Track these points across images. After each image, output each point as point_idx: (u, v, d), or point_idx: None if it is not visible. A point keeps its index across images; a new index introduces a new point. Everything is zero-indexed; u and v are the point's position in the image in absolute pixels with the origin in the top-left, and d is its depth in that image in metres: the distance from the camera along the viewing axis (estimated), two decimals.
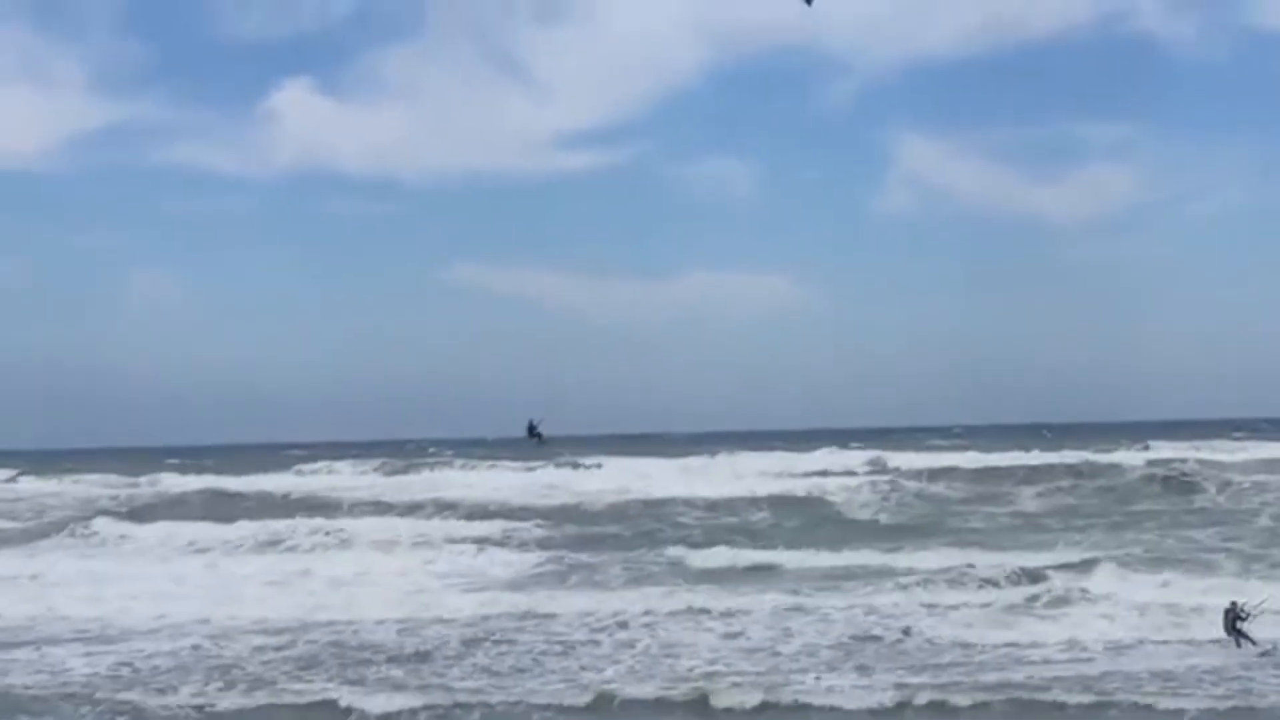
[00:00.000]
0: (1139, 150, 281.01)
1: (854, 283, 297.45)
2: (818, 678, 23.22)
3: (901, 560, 37.32)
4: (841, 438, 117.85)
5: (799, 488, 56.87)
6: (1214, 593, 29.02)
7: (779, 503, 52.81)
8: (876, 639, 27.02)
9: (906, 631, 27.40)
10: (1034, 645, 26.04)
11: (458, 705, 21.82)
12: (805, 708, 21.44)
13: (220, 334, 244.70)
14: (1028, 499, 53.44)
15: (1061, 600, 30.18)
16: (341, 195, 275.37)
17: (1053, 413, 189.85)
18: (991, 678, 22.92)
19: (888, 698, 21.53)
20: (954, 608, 29.90)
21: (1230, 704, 20.76)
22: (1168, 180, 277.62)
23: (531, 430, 32.23)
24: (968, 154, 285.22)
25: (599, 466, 69.55)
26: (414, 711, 21.70)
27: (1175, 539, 40.59)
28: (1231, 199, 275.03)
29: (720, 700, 21.78)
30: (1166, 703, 20.89)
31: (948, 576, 33.22)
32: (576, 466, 69.73)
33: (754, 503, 52.35)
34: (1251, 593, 27.19)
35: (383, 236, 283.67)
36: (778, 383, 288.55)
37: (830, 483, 58.30)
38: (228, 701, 22.78)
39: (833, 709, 21.21)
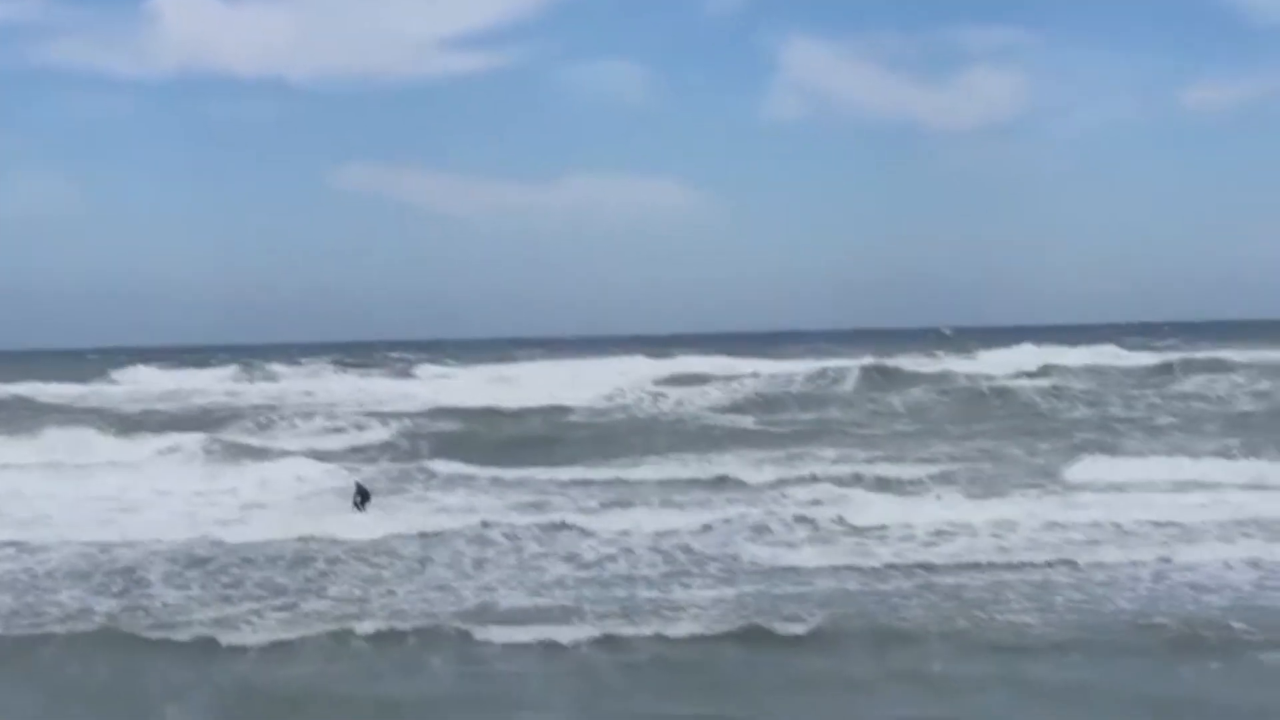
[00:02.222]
0: (1026, 56, 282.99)
1: (743, 187, 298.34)
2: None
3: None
4: (729, 342, 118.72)
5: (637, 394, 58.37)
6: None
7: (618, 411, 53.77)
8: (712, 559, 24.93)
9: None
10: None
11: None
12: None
13: (103, 238, 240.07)
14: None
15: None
16: (228, 97, 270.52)
17: (943, 317, 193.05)
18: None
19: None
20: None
21: None
22: (1055, 87, 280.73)
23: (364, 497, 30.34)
24: (856, 59, 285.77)
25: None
26: None
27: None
28: (1118, 107, 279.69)
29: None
30: None
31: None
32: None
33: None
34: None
35: (269, 139, 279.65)
36: (669, 286, 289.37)
37: (679, 391, 59.69)
38: None
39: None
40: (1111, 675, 17.06)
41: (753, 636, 18.68)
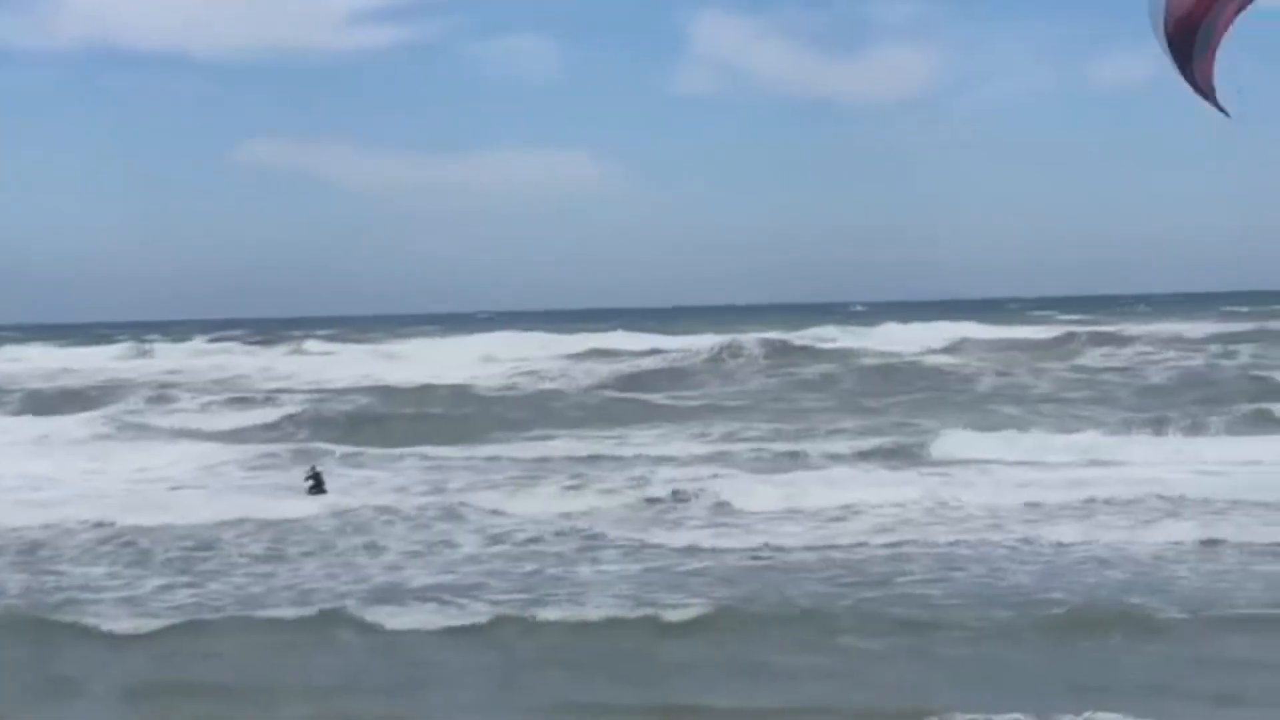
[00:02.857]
0: (937, 30, 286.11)
1: (654, 161, 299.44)
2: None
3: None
4: (639, 316, 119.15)
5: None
6: None
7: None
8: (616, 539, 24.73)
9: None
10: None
11: None
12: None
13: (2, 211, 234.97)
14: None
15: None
16: (132, 70, 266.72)
17: (858, 292, 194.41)
18: None
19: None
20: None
21: None
22: (967, 60, 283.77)
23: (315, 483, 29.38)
24: (767, 34, 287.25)
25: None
26: None
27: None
28: (1030, 80, 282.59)
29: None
30: None
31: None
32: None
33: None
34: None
35: (173, 114, 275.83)
36: (581, 261, 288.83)
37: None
38: None
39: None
40: (1016, 649, 17.37)
41: (659, 618, 18.77)
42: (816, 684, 16.25)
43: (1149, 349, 61.11)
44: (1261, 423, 37.40)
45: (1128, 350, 60.96)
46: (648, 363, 62.71)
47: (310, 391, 54.49)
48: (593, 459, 34.59)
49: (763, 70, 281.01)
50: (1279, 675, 16.01)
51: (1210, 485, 28.13)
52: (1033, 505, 26.53)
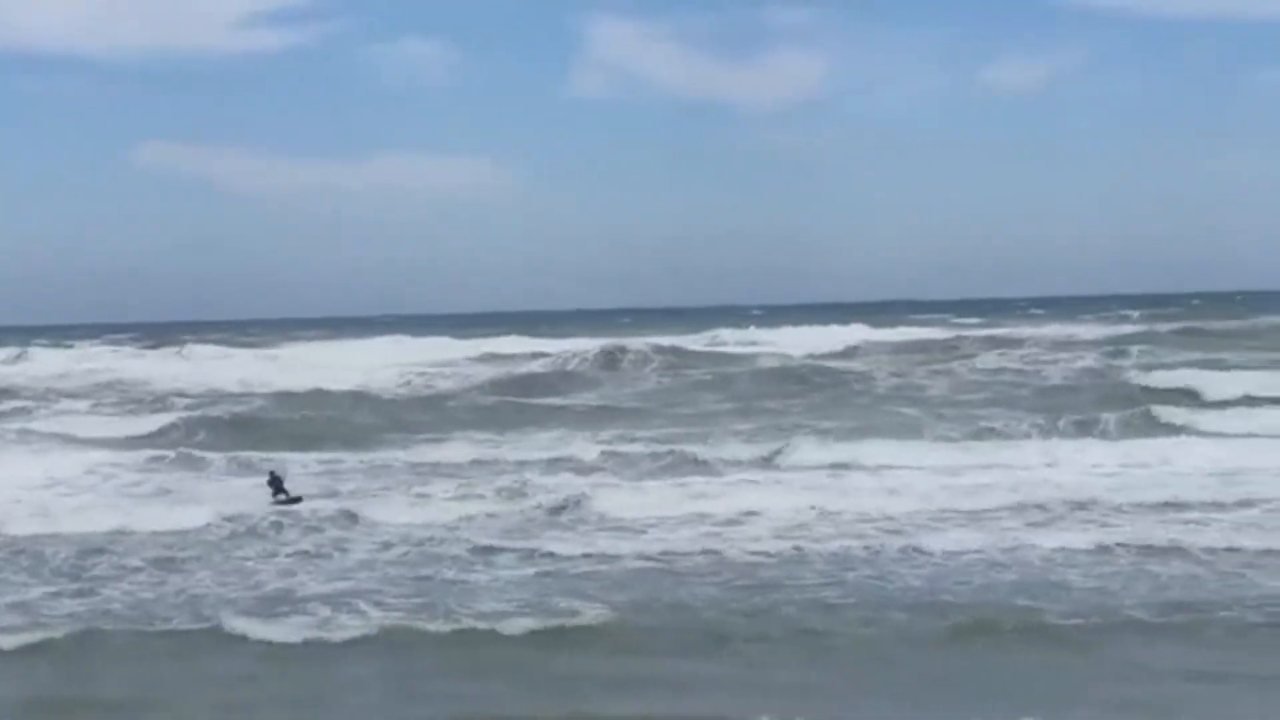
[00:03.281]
0: (830, 35, 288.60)
1: (550, 166, 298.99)
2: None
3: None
4: (533, 321, 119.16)
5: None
6: None
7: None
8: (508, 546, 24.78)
9: None
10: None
11: None
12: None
13: None
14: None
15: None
16: (25, 73, 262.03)
17: (755, 296, 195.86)
18: None
19: None
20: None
21: None
22: (859, 65, 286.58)
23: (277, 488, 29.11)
24: (661, 38, 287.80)
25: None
26: None
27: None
28: (921, 85, 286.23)
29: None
30: None
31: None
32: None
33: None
34: None
35: (67, 117, 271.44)
36: (476, 266, 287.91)
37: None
38: None
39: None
40: (906, 650, 17.67)
41: (555, 626, 18.92)
42: (713, 691, 16.40)
43: (1041, 351, 62.12)
44: (1149, 425, 38.15)
45: (1020, 353, 61.84)
46: (541, 366, 62.54)
47: (200, 396, 53.93)
48: (484, 463, 34.63)
49: (657, 74, 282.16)
50: (1176, 682, 16.35)
51: (1101, 487, 28.73)
52: (924, 509, 26.88)
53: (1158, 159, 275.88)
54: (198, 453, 37.07)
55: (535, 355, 67.72)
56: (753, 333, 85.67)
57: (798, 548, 23.82)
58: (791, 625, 18.83)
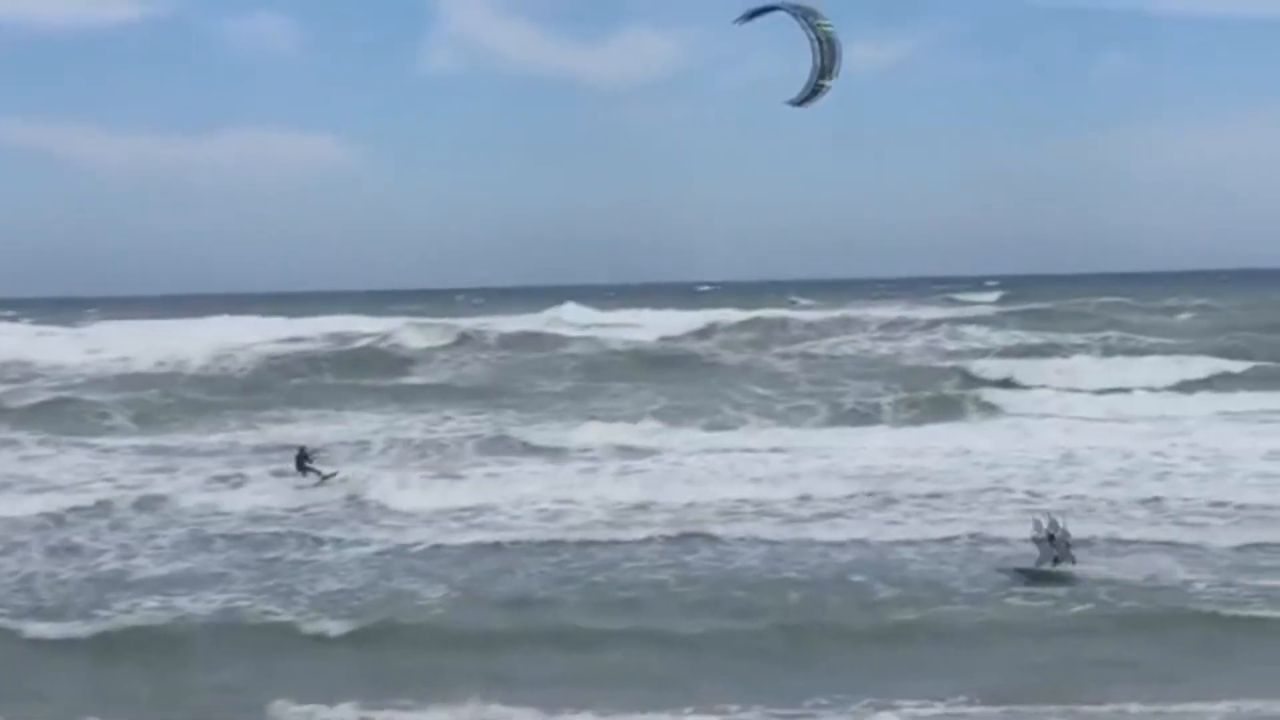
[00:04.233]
0: (682, 14, 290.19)
1: (401, 142, 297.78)
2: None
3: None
4: (384, 299, 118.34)
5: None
6: None
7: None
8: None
9: None
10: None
11: None
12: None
13: None
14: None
15: None
16: None
17: (601, 274, 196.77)
18: None
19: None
20: None
21: None
22: (711, 44, 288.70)
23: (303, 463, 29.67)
24: (515, 15, 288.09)
25: None
26: None
27: None
28: (772, 65, 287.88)
29: None
30: None
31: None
32: None
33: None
34: None
35: None
36: (327, 242, 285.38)
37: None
38: None
39: None
40: (741, 628, 18.65)
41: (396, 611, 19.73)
42: (548, 663, 17.33)
43: (875, 334, 63.47)
44: (947, 409, 39.69)
45: (859, 335, 62.96)
46: (381, 345, 61.79)
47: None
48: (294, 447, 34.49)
49: (510, 50, 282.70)
50: (996, 673, 16.97)
51: (927, 471, 29.82)
52: (752, 496, 27.55)
53: (1004, 141, 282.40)
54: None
55: (375, 335, 66.57)
56: (593, 314, 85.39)
57: (626, 533, 24.64)
58: (632, 610, 19.78)
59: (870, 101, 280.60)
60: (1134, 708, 15.40)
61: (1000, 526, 24.22)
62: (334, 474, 29.17)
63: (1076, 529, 21.85)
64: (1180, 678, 16.38)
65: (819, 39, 17.59)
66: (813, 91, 17.77)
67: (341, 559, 23.30)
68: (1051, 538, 21.17)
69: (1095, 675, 16.58)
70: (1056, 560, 21.04)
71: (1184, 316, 72.81)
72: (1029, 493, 27.24)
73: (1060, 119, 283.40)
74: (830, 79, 17.71)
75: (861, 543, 23.68)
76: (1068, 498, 26.63)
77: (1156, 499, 26.54)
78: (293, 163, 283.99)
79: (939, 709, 15.57)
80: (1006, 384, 45.49)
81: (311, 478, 29.04)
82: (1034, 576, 20.91)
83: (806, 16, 17.64)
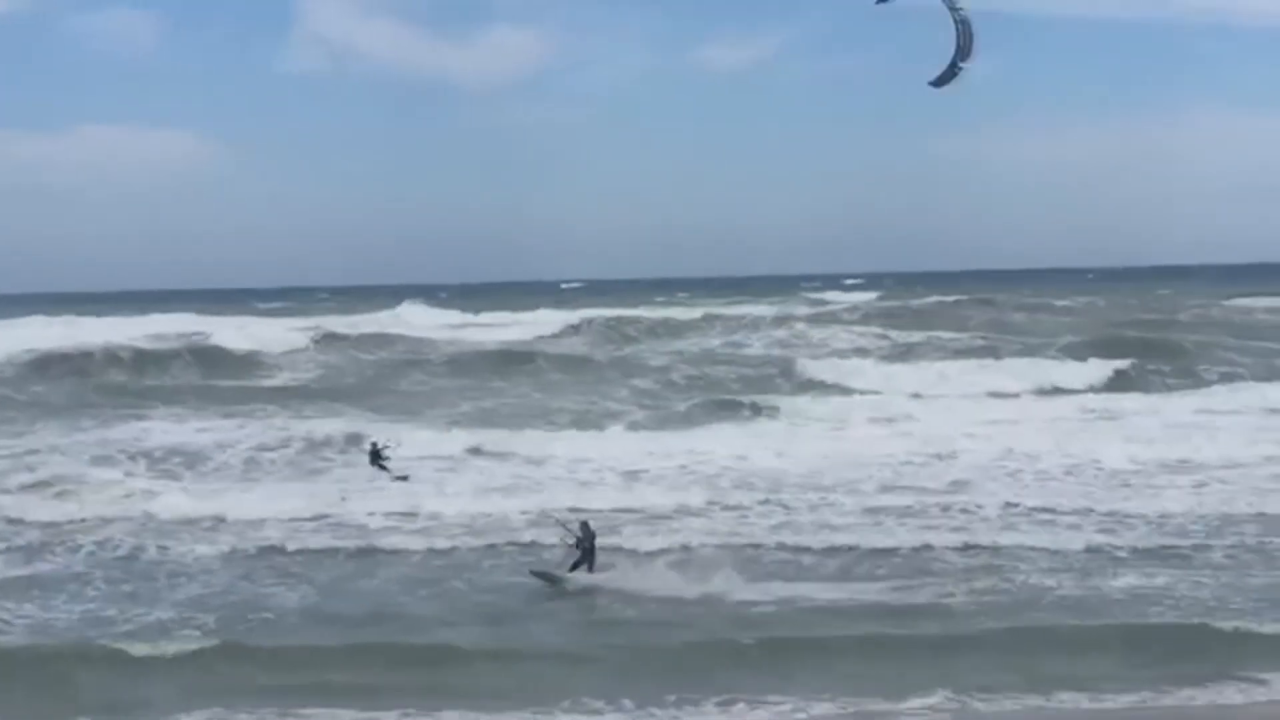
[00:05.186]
0: (546, 14, 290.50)
1: (262, 140, 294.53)
2: None
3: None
4: (242, 297, 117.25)
5: None
6: None
7: None
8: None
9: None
10: None
11: None
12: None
13: None
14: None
15: None
16: None
17: (465, 273, 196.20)
18: None
19: None
20: None
21: None
22: (575, 44, 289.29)
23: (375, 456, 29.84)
24: (378, 13, 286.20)
25: None
26: None
27: None
28: (635, 64, 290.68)
29: None
30: None
31: None
32: None
33: None
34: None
35: None
36: (182, 240, 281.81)
37: None
38: None
39: None
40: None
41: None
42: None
43: (718, 334, 64.33)
44: (748, 413, 40.05)
45: (703, 335, 63.69)
46: (231, 345, 59.54)
47: None
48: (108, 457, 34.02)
49: (374, 49, 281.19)
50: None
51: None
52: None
53: (870, 139, 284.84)
54: None
55: (213, 335, 65.07)
56: (437, 313, 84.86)
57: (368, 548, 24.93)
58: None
59: (734, 99, 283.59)
60: None
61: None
62: (405, 477, 29.39)
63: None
64: None
65: (958, 23, 17.90)
66: (951, 73, 18.06)
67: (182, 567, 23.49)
68: (579, 542, 21.97)
69: None
70: (575, 566, 21.87)
71: (1040, 316, 73.41)
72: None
73: (927, 118, 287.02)
74: (966, 61, 17.98)
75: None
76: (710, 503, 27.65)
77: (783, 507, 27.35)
78: (152, 160, 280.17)
79: None
80: (821, 387, 46.14)
81: (385, 475, 29.47)
82: (551, 579, 21.78)
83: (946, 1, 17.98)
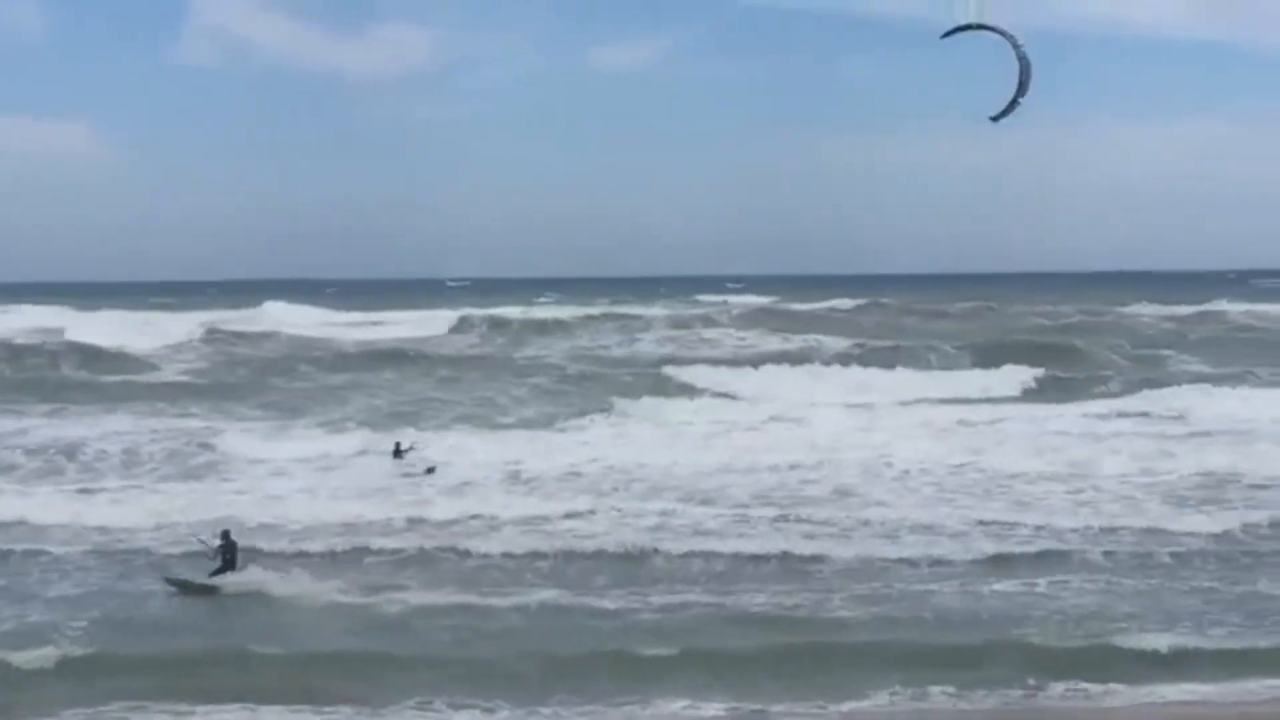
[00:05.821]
0: (440, 12, 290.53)
1: (154, 133, 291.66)
2: None
3: None
4: (126, 292, 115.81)
5: None
6: None
7: None
8: None
9: None
10: None
11: None
12: None
13: None
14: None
15: None
16: None
17: (355, 269, 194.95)
18: None
19: None
20: None
21: None
22: (469, 43, 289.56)
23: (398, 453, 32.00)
24: (271, 7, 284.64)
25: None
26: None
27: None
28: (529, 65, 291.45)
29: None
30: None
31: None
32: None
33: None
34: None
35: None
36: (71, 233, 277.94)
37: None
38: None
39: None
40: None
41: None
42: None
43: (593, 336, 64.63)
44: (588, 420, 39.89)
45: (571, 339, 63.71)
46: (113, 341, 58.39)
47: None
48: None
49: (266, 44, 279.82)
50: None
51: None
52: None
53: (762, 140, 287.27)
54: None
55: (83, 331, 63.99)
56: (326, 312, 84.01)
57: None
58: None
59: (626, 101, 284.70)
60: None
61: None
62: (432, 469, 30.98)
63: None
64: None
65: (1021, 59, 18.49)
66: (1011, 107, 18.60)
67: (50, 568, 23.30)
68: (222, 549, 22.37)
69: None
70: (216, 573, 22.17)
71: (931, 322, 73.80)
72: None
73: (817, 122, 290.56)
74: (1023, 96, 18.40)
75: None
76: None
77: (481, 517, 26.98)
78: (41, 152, 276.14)
79: None
80: (697, 391, 46.20)
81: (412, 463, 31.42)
82: (185, 587, 21.99)
83: (1009, 38, 18.62)
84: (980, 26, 18.82)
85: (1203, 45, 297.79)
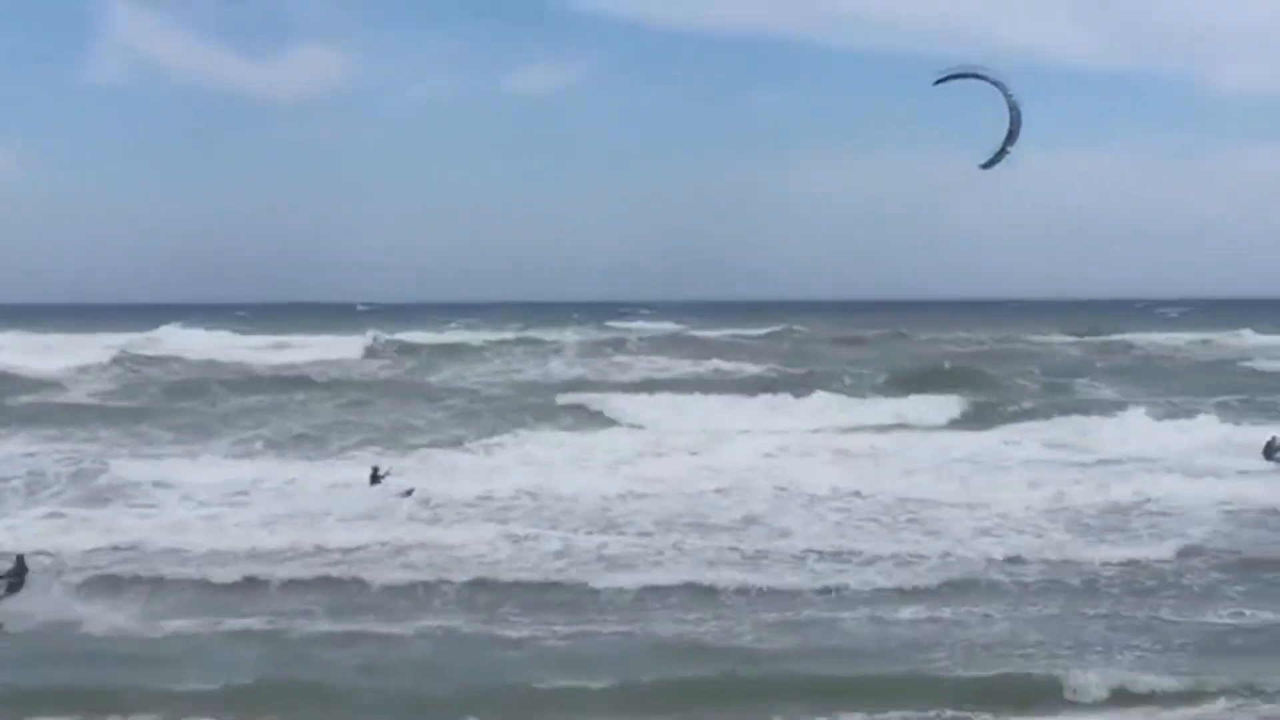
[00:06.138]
0: (351, 34, 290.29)
1: (62, 152, 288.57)
2: None
3: None
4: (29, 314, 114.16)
5: None
6: None
7: None
8: None
9: None
10: None
11: None
12: None
13: None
14: None
15: None
16: None
17: (264, 293, 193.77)
18: None
19: None
20: None
21: None
22: (380, 66, 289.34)
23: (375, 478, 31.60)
24: (181, 26, 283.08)
25: None
26: None
27: None
28: (440, 88, 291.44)
29: None
30: None
31: None
32: None
33: None
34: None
35: None
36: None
37: None
38: None
39: None
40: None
41: None
42: None
43: (514, 363, 64.37)
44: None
45: (480, 366, 63.44)
46: (12, 363, 59.14)
47: None
48: None
49: (178, 63, 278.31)
50: None
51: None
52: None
53: (673, 166, 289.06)
54: None
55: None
56: (210, 334, 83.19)
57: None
58: None
59: (539, 125, 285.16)
60: None
61: None
62: (410, 491, 30.76)
63: None
64: None
65: (1011, 108, 18.36)
66: (1000, 155, 18.54)
67: None
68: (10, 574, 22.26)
69: None
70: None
71: (841, 349, 74.54)
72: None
73: (729, 148, 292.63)
74: (1011, 145, 18.47)
75: None
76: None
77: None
78: None
79: None
80: (601, 418, 46.03)
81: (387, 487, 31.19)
82: None
83: (1000, 87, 18.44)
84: (972, 75, 18.79)
85: (1109, 76, 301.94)
